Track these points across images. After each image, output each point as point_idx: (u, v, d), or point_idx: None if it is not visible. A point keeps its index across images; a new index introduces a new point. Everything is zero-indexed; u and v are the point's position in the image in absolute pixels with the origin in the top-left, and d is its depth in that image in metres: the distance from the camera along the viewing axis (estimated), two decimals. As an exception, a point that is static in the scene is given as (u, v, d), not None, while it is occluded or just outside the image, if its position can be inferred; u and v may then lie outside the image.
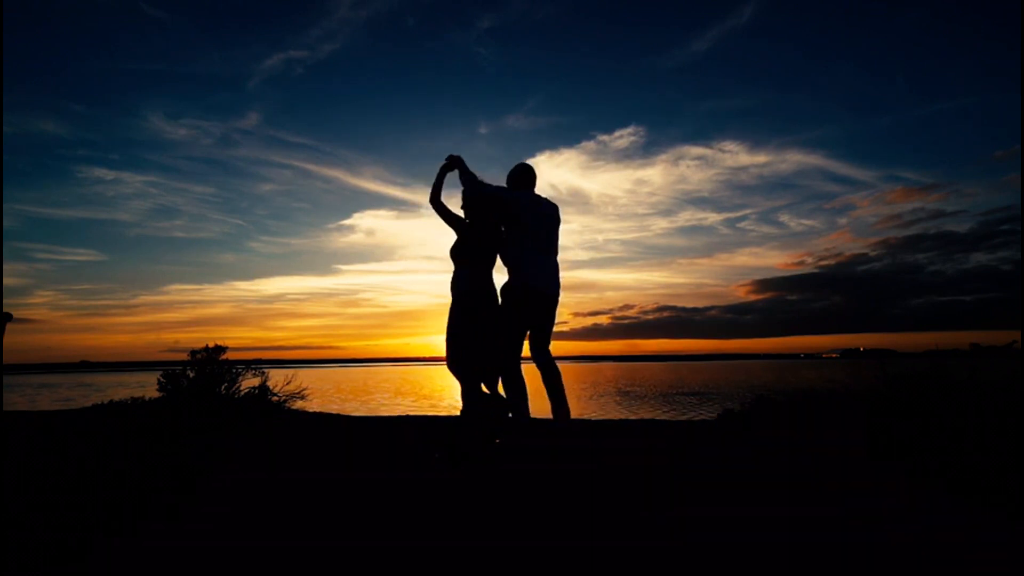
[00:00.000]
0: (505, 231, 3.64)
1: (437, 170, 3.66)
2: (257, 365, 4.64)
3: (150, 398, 4.26)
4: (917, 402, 2.99)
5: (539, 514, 2.10)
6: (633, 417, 8.55)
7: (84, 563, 1.66)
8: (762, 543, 1.78)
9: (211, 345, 4.58)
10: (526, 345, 3.66)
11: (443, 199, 3.65)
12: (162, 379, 4.22)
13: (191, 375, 4.28)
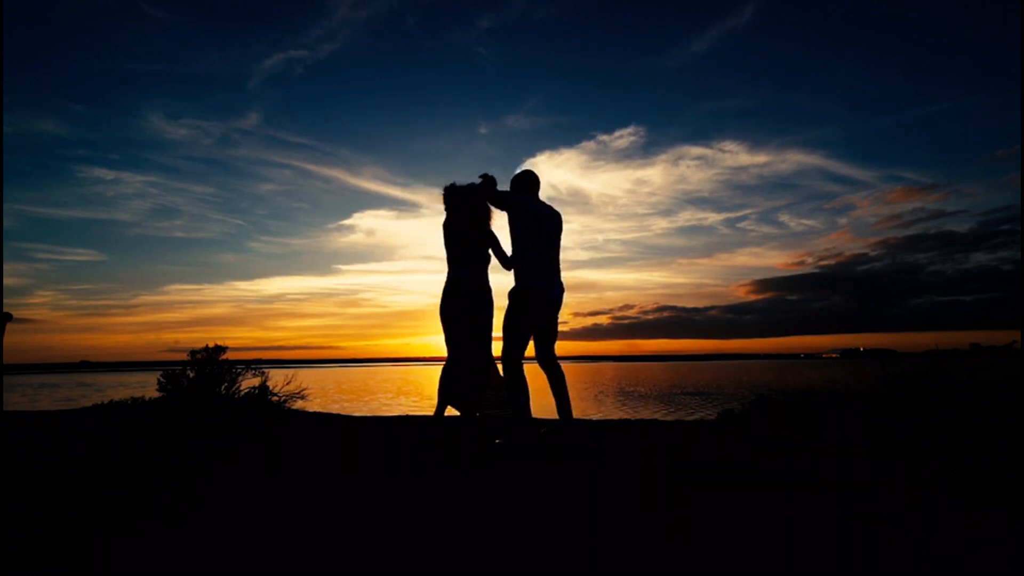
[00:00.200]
0: (510, 235, 3.70)
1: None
2: (257, 365, 4.64)
3: (150, 398, 4.26)
4: (917, 402, 2.99)
5: (539, 514, 2.10)
6: (633, 417, 8.55)
7: (84, 563, 1.66)
8: (762, 543, 1.78)
9: (211, 345, 4.58)
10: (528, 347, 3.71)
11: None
12: (162, 379, 4.22)
13: (191, 375, 4.28)
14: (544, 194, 3.91)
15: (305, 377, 5.28)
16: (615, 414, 9.85)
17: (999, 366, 3.34)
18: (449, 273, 3.55)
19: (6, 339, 3.93)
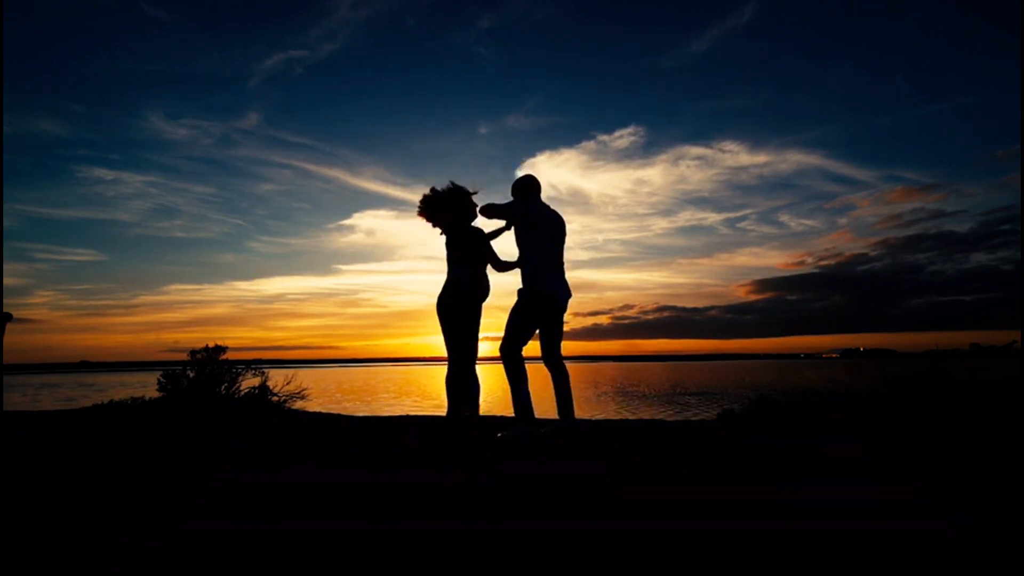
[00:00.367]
0: (517, 239, 3.74)
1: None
2: (257, 365, 4.65)
3: (150, 398, 4.27)
4: (917, 402, 2.99)
5: (539, 514, 2.10)
6: (633, 417, 8.55)
7: (84, 563, 1.66)
8: (762, 543, 1.78)
9: (211, 345, 4.59)
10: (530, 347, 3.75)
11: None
12: (162, 379, 4.22)
13: (191, 375, 4.29)
14: (544, 194, 3.93)
15: (305, 377, 5.29)
16: (615, 414, 9.86)
17: (999, 366, 3.35)
18: (449, 273, 3.55)
19: (6, 339, 3.93)
